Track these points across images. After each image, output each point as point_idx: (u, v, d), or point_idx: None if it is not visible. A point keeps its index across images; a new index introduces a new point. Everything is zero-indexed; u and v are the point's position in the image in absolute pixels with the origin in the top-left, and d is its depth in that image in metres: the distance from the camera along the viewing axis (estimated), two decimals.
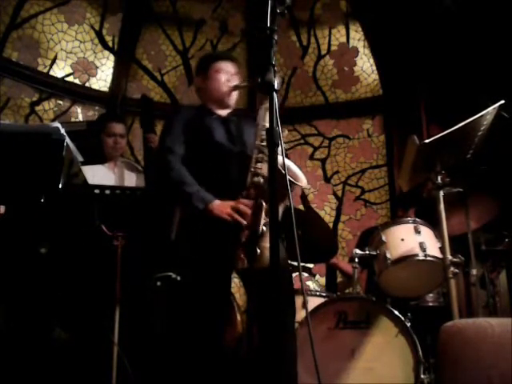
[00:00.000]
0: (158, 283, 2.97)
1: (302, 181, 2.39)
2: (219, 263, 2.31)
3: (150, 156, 3.32)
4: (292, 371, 2.28)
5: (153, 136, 3.51)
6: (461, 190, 3.00)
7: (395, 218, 4.01)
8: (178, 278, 3.00)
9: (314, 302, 2.94)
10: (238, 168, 2.41)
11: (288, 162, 2.32)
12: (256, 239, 2.22)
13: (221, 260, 2.31)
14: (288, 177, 2.19)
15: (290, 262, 2.66)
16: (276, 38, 1.81)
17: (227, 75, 2.60)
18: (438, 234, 2.80)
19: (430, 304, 3.28)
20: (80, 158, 2.51)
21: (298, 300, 2.79)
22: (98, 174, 3.21)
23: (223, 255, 2.29)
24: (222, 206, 2.30)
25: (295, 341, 2.36)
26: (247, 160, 2.35)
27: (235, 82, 2.62)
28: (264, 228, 2.23)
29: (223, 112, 2.64)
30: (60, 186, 2.31)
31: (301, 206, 3.63)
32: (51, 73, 4.69)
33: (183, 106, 2.86)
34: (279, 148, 2.28)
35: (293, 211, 1.84)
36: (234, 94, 2.64)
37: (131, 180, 3.43)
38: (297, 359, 2.31)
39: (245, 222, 2.25)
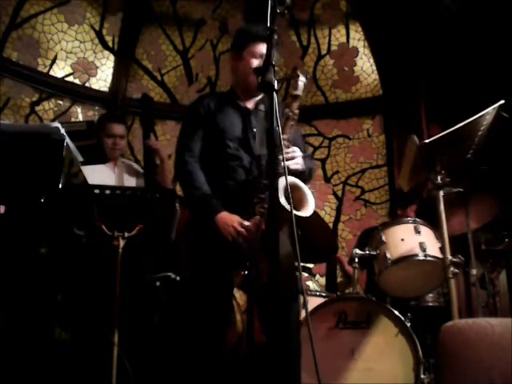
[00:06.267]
0: (158, 283, 2.97)
1: (308, 208, 2.24)
2: (222, 266, 2.30)
3: (150, 162, 3.32)
4: (295, 369, 2.27)
5: (154, 142, 3.50)
6: (461, 189, 3.00)
7: (394, 218, 4.02)
8: (178, 278, 3.00)
9: (314, 302, 2.94)
10: (252, 171, 2.36)
11: (299, 183, 2.27)
12: (255, 259, 2.19)
13: (223, 263, 2.29)
14: (287, 204, 2.14)
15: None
16: (276, 37, 1.80)
17: (261, 61, 2.11)
18: (438, 234, 2.80)
19: (430, 304, 3.29)
20: (80, 158, 2.51)
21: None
22: (98, 174, 3.20)
23: (226, 260, 2.28)
24: (225, 223, 2.26)
25: (299, 339, 2.34)
26: (262, 166, 2.30)
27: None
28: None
29: (251, 102, 2.49)
30: (60, 186, 2.30)
31: None
32: (51, 73, 4.69)
33: (206, 95, 2.66)
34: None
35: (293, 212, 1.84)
36: None
37: (131, 183, 3.42)
38: (300, 357, 2.30)
39: (241, 242, 2.22)
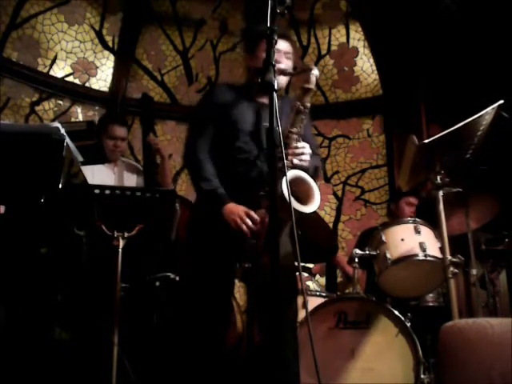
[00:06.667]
0: (158, 283, 2.97)
1: (313, 204, 2.21)
2: (223, 261, 2.31)
3: (150, 160, 3.32)
4: (294, 369, 2.28)
5: (155, 140, 3.50)
6: (460, 189, 3.00)
7: (389, 214, 4.04)
8: (178, 278, 3.00)
9: (314, 302, 2.94)
10: (259, 165, 2.34)
11: (307, 178, 2.26)
12: (258, 252, 2.20)
13: (225, 257, 2.30)
14: (290, 197, 2.12)
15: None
16: (276, 38, 1.80)
17: (277, 56, 2.20)
18: (438, 234, 2.80)
19: (430, 304, 3.29)
20: (80, 158, 2.51)
21: (298, 300, 2.79)
22: (98, 174, 3.21)
23: (228, 256, 2.29)
24: (231, 213, 2.26)
25: (296, 338, 2.34)
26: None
27: (285, 64, 2.38)
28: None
29: (265, 98, 2.39)
30: (60, 186, 2.30)
31: None
32: (51, 73, 4.69)
33: (221, 86, 2.62)
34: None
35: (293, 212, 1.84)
36: (282, 79, 2.36)
37: (131, 180, 3.42)
38: (299, 357, 2.30)
39: (246, 232, 2.22)
